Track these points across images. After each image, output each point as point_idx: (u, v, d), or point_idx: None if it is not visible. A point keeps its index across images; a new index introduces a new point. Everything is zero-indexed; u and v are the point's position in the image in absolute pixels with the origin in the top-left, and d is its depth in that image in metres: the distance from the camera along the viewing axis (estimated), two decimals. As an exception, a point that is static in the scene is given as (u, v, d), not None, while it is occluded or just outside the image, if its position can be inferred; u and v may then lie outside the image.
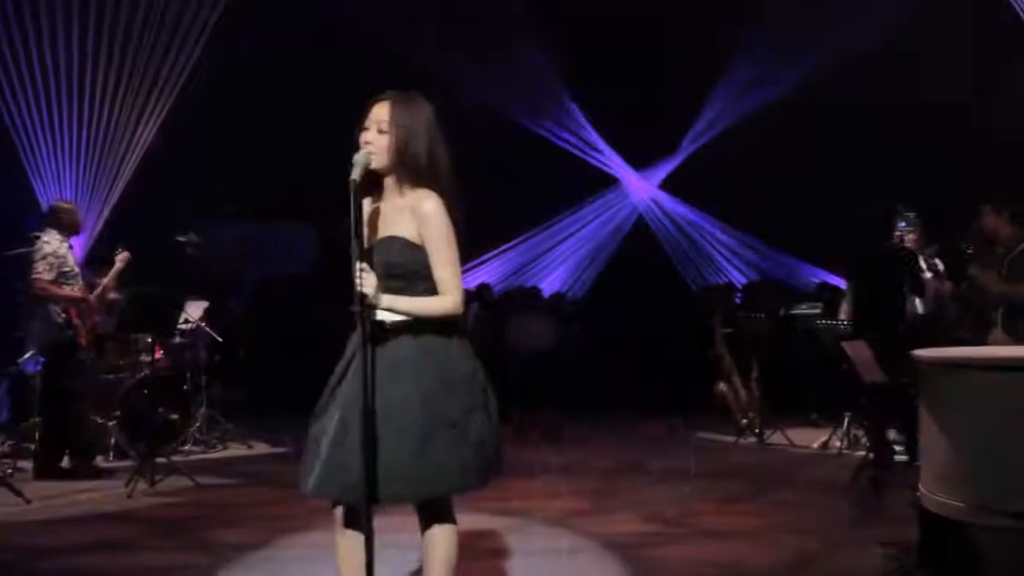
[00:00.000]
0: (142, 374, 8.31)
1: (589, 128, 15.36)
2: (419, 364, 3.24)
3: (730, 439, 9.35)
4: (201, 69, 11.29)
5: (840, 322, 8.22)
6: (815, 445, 8.80)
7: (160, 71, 11.01)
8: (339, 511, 3.32)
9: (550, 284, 15.04)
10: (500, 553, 5.25)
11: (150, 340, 8.18)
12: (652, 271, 14.52)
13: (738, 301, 12.51)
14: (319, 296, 12.06)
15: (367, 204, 3.30)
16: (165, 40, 11.00)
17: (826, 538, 5.46)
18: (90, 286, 7.83)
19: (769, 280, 13.83)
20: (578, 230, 15.61)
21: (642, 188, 15.70)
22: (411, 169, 3.25)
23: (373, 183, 3.28)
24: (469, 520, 5.92)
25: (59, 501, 6.78)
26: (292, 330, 11.69)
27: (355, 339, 3.23)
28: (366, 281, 3.10)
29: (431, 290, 3.27)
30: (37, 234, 8.25)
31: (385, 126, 3.22)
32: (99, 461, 7.90)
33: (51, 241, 7.56)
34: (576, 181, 15.27)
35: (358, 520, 3.19)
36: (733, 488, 7.04)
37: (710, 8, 13.65)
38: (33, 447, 7.90)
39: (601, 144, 15.48)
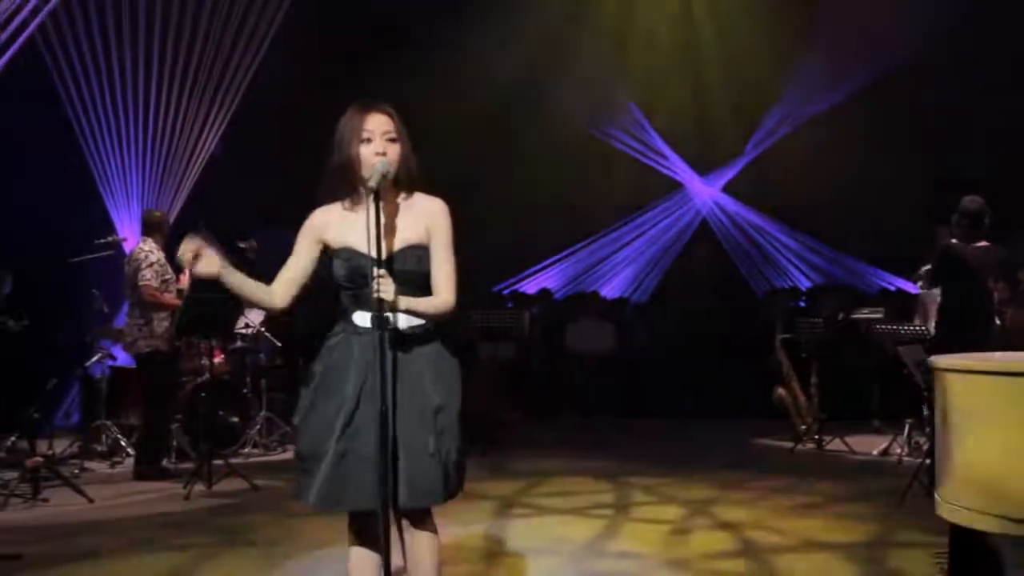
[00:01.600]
0: (203, 378, 8.49)
1: (652, 133, 15.29)
2: (449, 367, 3.32)
3: (788, 445, 9.25)
4: (263, 74, 11.48)
5: (914, 328, 8.09)
6: (875, 452, 8.67)
7: (223, 76, 11.23)
8: (355, 525, 3.35)
9: (612, 289, 15.01)
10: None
11: (212, 344, 8.40)
12: (715, 275, 14.40)
13: (802, 305, 12.37)
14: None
15: (360, 212, 3.28)
16: (228, 46, 11.21)
17: (878, 545, 5.40)
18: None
19: (834, 284, 13.62)
20: (641, 235, 15.55)
21: (705, 192, 15.58)
22: (412, 176, 3.33)
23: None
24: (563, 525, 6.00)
25: (120, 501, 6.98)
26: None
27: (356, 352, 3.25)
28: (384, 287, 3.14)
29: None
30: (104, 240, 8.52)
31: (392, 135, 3.26)
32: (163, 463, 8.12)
33: (153, 250, 7.82)
34: (639, 186, 15.23)
35: (373, 534, 3.21)
36: (786, 492, 7.00)
37: (774, 9, 13.53)
38: (130, 448, 8.18)
39: (665, 148, 15.39)
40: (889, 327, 8.32)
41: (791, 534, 5.72)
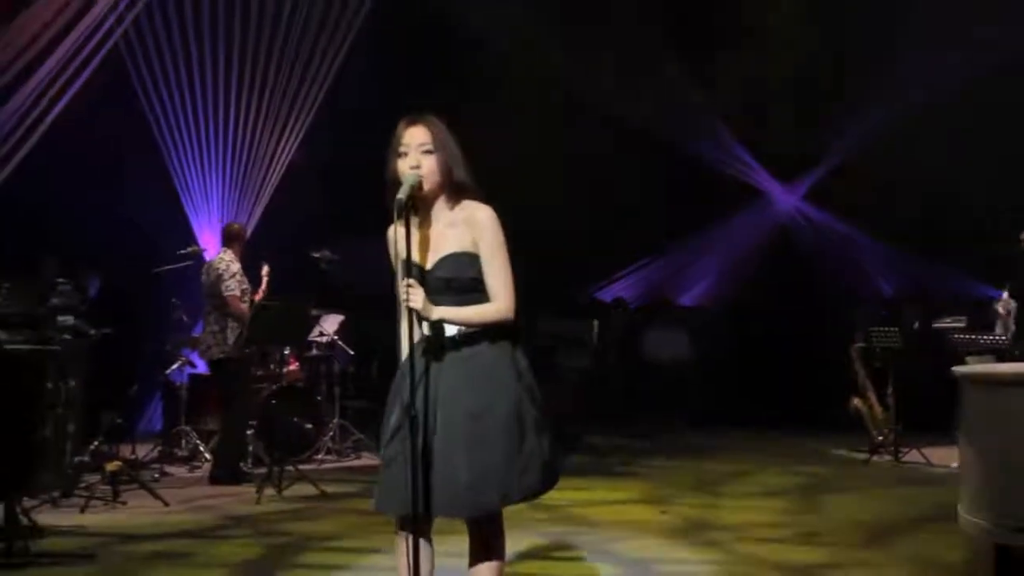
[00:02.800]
0: (279, 385, 8.69)
1: (732, 140, 15.14)
2: (506, 370, 3.32)
3: (863, 456, 9.07)
4: (341, 81, 11.71)
5: (993, 337, 7.89)
6: (954, 464, 8.43)
7: (301, 85, 11.50)
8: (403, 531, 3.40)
9: (692, 297, 14.90)
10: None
11: (286, 352, 8.60)
12: (796, 283, 14.17)
13: (885, 314, 12.11)
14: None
15: (414, 226, 3.32)
16: (305, 54, 11.48)
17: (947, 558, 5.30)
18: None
19: (916, 293, 13.30)
20: (721, 243, 15.39)
21: (787, 200, 15.36)
22: (458, 186, 3.36)
23: (413, 205, 3.32)
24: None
25: (193, 504, 7.19)
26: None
27: (418, 360, 3.28)
28: (414, 297, 3.19)
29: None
30: (185, 251, 8.80)
31: (428, 147, 3.31)
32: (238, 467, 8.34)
33: (233, 260, 8.08)
34: (719, 194, 15.09)
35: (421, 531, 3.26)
36: (855, 505, 6.90)
37: (859, 10, 13.30)
38: (208, 453, 8.43)
39: (746, 156, 15.23)
40: (968, 336, 8.13)
41: (855, 548, 5.65)
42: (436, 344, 3.30)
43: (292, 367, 9.05)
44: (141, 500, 7.14)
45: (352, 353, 9.51)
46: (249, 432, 8.53)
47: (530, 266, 12.65)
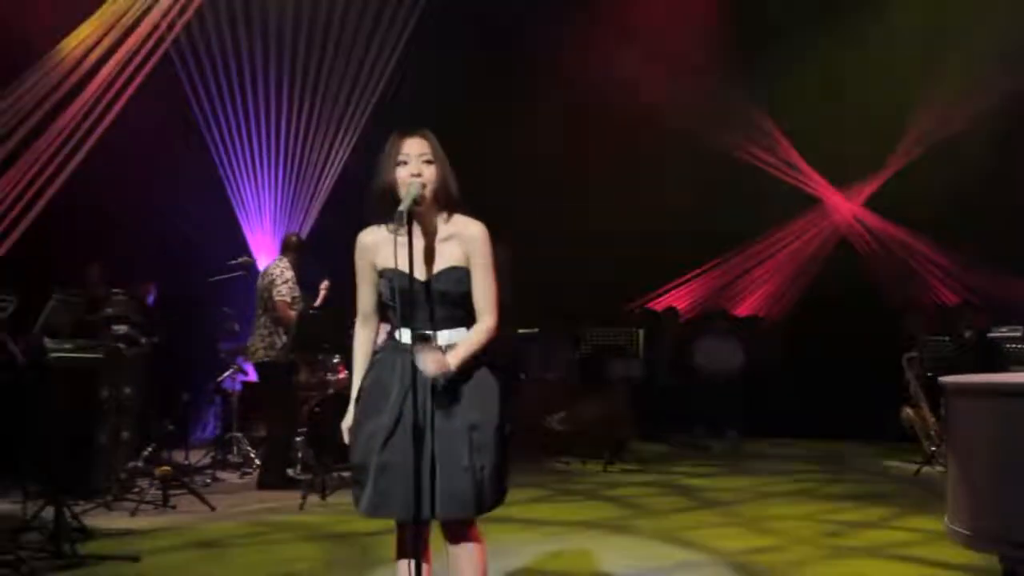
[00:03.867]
0: (328, 393, 8.81)
1: (787, 146, 15.01)
2: (493, 383, 3.44)
3: (914, 466, 8.94)
4: (392, 87, 11.86)
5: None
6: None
7: (351, 94, 11.67)
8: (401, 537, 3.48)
9: (747, 307, 14.79)
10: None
11: (335, 360, 8.73)
12: (853, 292, 13.99)
13: (939, 323, 11.90)
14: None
15: (403, 237, 3.36)
16: (355, 67, 11.65)
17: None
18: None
19: (975, 302, 13.04)
20: (777, 251, 15.26)
21: (845, 207, 15.18)
22: (451, 199, 3.45)
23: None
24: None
25: (239, 509, 7.34)
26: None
27: (398, 368, 3.39)
28: (427, 364, 3.21)
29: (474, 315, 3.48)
30: (237, 261, 8.99)
31: (428, 157, 3.39)
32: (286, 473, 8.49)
33: (287, 267, 8.29)
34: (774, 202, 14.96)
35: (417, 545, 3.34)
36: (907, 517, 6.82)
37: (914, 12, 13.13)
38: (256, 460, 8.60)
39: (801, 163, 15.08)
40: (1021, 346, 7.97)
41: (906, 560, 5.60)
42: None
43: (341, 375, 9.18)
44: (190, 504, 7.31)
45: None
46: (298, 439, 8.67)
47: (580, 274, 12.74)
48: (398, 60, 11.90)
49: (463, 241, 3.44)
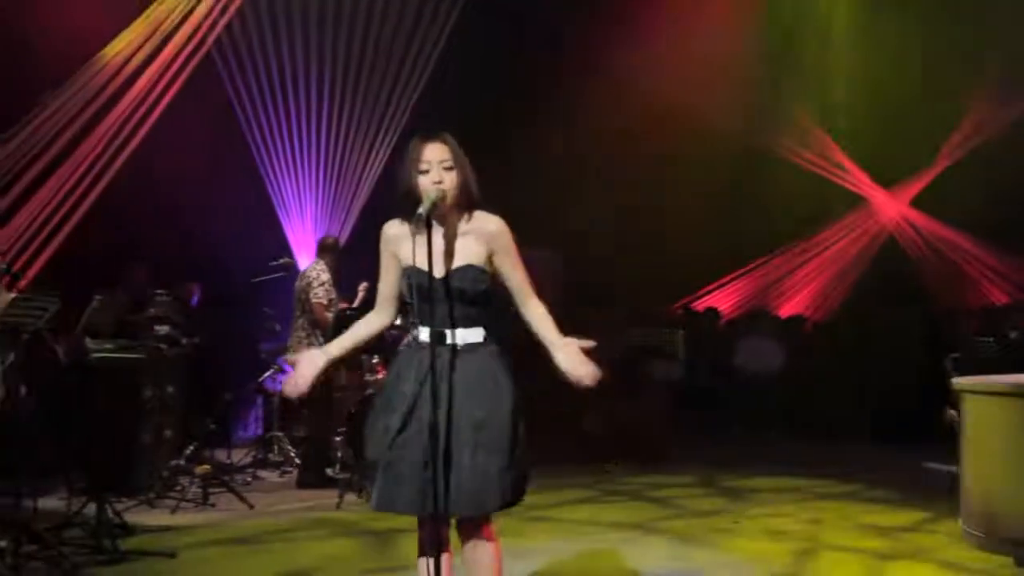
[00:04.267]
0: (367, 392, 8.89)
1: (832, 145, 14.86)
2: (505, 379, 3.50)
3: (956, 469, 8.80)
4: (431, 89, 11.94)
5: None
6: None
7: (391, 97, 11.77)
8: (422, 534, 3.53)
9: (792, 307, 14.67)
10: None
11: (374, 360, 8.80)
12: (900, 292, 13.83)
13: (984, 323, 11.72)
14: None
15: (433, 236, 3.46)
16: (395, 66, 11.76)
17: None
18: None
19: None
20: (821, 252, 15.12)
21: (892, 206, 15.01)
22: (472, 200, 3.52)
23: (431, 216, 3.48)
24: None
25: (277, 507, 7.44)
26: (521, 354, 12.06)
27: (415, 365, 3.47)
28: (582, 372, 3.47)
29: (492, 314, 3.55)
30: (278, 262, 9.11)
31: (449, 163, 3.45)
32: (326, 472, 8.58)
33: (324, 270, 8.42)
34: (819, 202, 14.83)
35: (437, 541, 3.41)
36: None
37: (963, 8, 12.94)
38: (296, 459, 8.72)
39: (846, 162, 14.92)
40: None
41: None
42: (449, 352, 3.46)
43: (380, 375, 9.25)
44: (229, 502, 7.43)
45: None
46: (338, 438, 8.76)
47: (623, 274, 12.70)
48: (438, 59, 11.95)
49: (483, 238, 3.51)
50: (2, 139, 8.62)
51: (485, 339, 3.52)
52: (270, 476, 8.91)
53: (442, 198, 3.42)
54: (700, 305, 14.32)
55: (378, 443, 3.47)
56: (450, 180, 3.44)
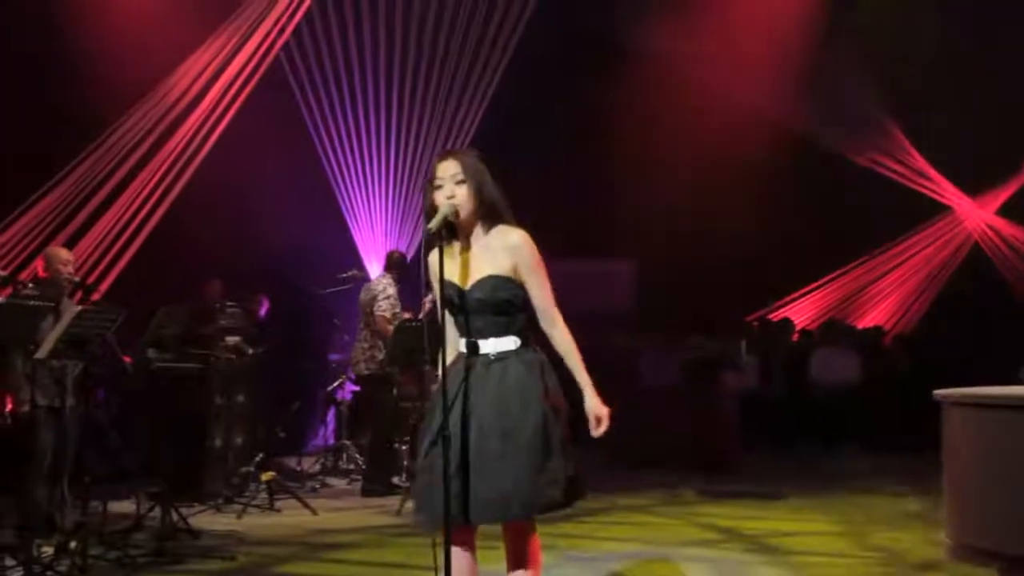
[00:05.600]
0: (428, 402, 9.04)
1: (915, 154, 14.56)
2: (535, 389, 3.54)
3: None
4: (499, 100, 12.06)
5: None
6: None
7: (459, 109, 11.93)
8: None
9: (874, 318, 14.41)
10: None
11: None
12: (987, 302, 13.47)
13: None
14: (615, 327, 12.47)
15: (456, 248, 3.61)
16: (463, 78, 11.91)
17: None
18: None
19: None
20: (905, 261, 14.82)
21: (977, 214, 14.64)
22: (490, 211, 3.59)
23: (450, 231, 3.59)
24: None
25: (339, 514, 7.63)
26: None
27: (452, 374, 3.57)
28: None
29: (527, 321, 3.60)
30: (347, 274, 9.32)
31: (460, 177, 3.54)
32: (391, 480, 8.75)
33: (390, 284, 8.62)
34: (902, 210, 14.53)
35: (467, 540, 3.53)
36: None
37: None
38: (363, 467, 8.92)
39: (930, 170, 14.60)
40: None
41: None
42: (481, 362, 3.55)
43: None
44: (294, 508, 7.62)
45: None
46: (404, 448, 8.92)
47: (702, 284, 12.61)
48: (505, 69, 12.07)
49: (507, 251, 3.58)
50: (79, 160, 8.98)
51: (519, 347, 3.58)
52: (339, 483, 9.10)
53: (455, 212, 3.52)
54: (779, 316, 14.15)
55: (421, 453, 3.60)
56: (462, 193, 3.54)
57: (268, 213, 10.15)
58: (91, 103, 9.03)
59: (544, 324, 3.63)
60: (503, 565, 3.65)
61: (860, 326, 13.83)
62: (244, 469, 8.32)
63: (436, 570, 3.39)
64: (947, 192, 14.70)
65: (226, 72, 10.03)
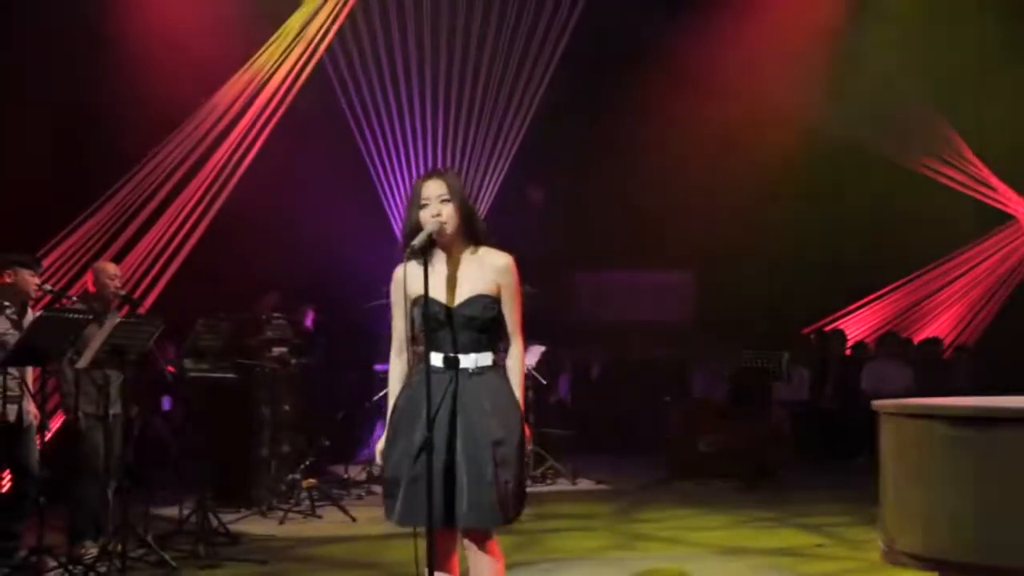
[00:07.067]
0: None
1: (976, 161, 14.30)
2: (514, 400, 3.74)
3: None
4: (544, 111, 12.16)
5: None
6: None
7: (506, 116, 12.05)
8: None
9: (934, 330, 14.17)
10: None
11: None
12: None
13: None
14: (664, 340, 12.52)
15: (437, 265, 3.74)
16: (509, 84, 12.03)
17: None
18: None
19: None
20: (967, 272, 14.55)
21: (1043, 223, 14.32)
22: (475, 230, 3.75)
23: (433, 249, 3.72)
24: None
25: (376, 520, 7.74)
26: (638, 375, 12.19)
27: (432, 385, 3.67)
28: None
29: (499, 338, 3.80)
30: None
31: (445, 197, 3.69)
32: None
33: None
34: (963, 220, 14.28)
35: (447, 551, 3.70)
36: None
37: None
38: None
39: (992, 179, 14.33)
40: None
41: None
42: (462, 376, 3.71)
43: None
44: (334, 515, 7.83)
45: (544, 382, 9.87)
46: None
47: (757, 296, 12.51)
48: (552, 76, 12.18)
49: (492, 272, 3.74)
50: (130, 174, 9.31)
51: (495, 362, 3.75)
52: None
53: (440, 230, 3.67)
54: (834, 328, 14.00)
55: (397, 463, 3.70)
56: (447, 211, 3.69)
57: (314, 225, 10.38)
58: (140, 121, 9.35)
59: (510, 339, 3.81)
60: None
61: (919, 338, 13.61)
62: (290, 476, 8.54)
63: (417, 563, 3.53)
64: (1010, 201, 14.41)
65: (269, 84, 10.22)
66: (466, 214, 3.73)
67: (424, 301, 3.65)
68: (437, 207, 3.69)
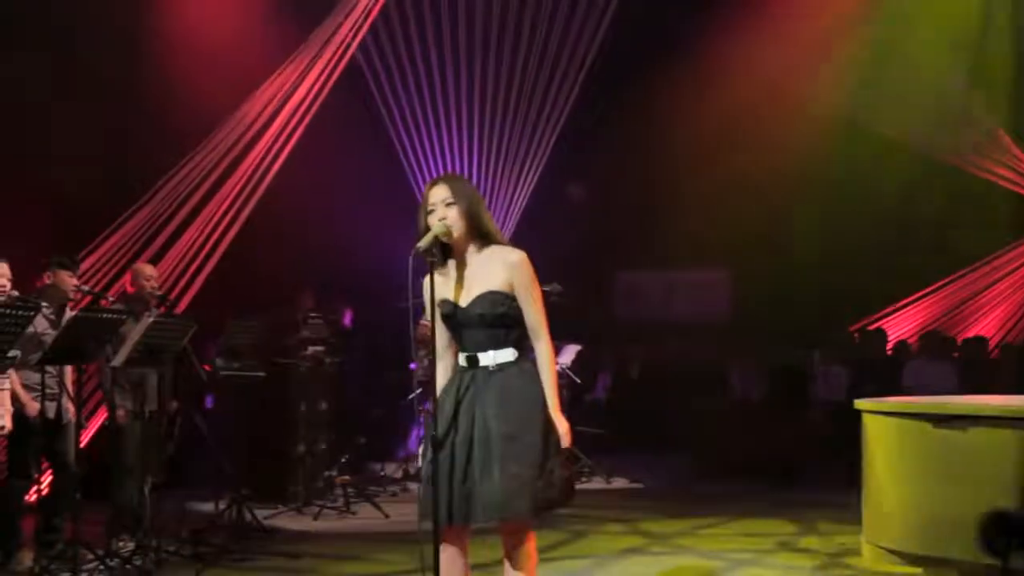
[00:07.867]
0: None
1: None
2: (536, 397, 3.77)
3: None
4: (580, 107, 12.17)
5: None
6: None
7: (540, 115, 12.09)
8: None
9: (982, 328, 13.97)
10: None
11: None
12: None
13: None
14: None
15: (451, 268, 3.83)
16: (544, 83, 12.07)
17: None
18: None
19: None
20: (1015, 270, 14.32)
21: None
22: (483, 230, 3.82)
23: (442, 253, 3.81)
24: None
25: (408, 517, 7.84)
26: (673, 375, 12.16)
27: (453, 388, 3.79)
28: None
29: (524, 334, 3.80)
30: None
31: (450, 200, 3.77)
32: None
33: None
34: (1014, 217, 14.06)
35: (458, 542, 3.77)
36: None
37: None
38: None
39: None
40: None
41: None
42: (482, 374, 3.79)
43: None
44: (368, 512, 7.96)
45: (579, 382, 9.91)
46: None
47: (796, 297, 12.42)
48: (588, 74, 12.20)
49: (504, 269, 3.79)
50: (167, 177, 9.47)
51: (517, 358, 3.80)
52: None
53: (446, 232, 3.74)
54: (878, 327, 13.87)
55: (424, 459, 3.82)
56: (452, 215, 3.76)
57: (349, 225, 10.48)
58: (175, 127, 9.51)
59: (532, 339, 3.83)
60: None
61: (963, 337, 13.43)
62: (327, 473, 8.67)
63: (424, 571, 3.61)
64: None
65: (303, 84, 10.31)
66: (472, 215, 3.79)
67: (431, 303, 3.77)
68: (442, 211, 3.77)
